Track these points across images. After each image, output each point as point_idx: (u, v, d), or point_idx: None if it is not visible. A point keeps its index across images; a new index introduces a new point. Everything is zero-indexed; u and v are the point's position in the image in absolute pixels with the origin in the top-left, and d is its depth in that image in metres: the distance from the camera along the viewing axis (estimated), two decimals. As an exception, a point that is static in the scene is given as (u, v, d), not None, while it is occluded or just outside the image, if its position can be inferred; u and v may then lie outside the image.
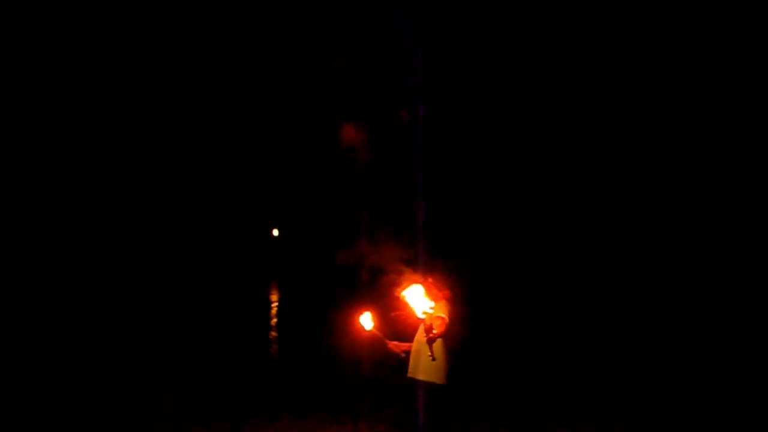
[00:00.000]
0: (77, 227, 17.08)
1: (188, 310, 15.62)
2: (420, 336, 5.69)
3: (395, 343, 5.93)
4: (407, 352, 5.83)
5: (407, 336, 5.87)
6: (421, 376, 5.69)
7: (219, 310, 16.15)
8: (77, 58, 16.46)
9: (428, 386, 5.66)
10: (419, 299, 5.24)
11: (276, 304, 20.07)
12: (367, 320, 5.92)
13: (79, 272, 16.09)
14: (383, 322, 5.92)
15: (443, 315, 5.48)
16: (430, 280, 5.64)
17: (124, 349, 11.12)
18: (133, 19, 17.08)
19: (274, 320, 16.41)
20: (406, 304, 5.35)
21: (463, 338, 5.66)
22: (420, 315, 5.19)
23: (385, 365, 6.11)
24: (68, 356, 10.49)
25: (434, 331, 5.33)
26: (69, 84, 16.50)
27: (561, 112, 14.49)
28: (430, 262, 5.88)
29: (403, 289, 5.35)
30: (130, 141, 18.46)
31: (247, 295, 20.00)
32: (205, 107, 19.92)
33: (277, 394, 8.97)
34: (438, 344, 5.54)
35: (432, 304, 5.25)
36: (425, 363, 5.59)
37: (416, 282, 5.40)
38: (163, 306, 15.62)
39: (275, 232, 32.04)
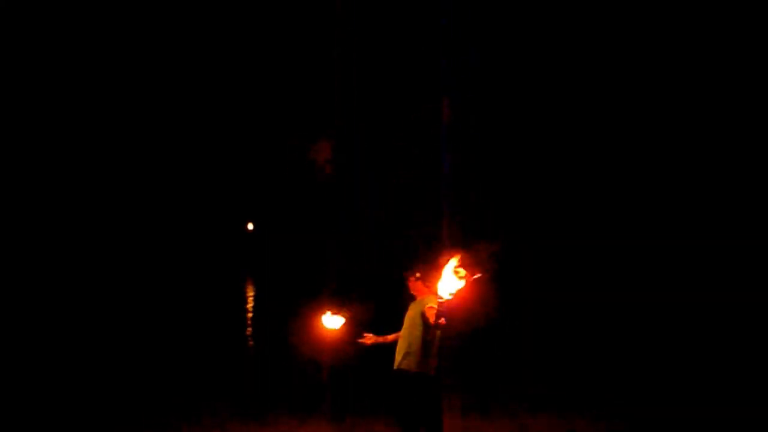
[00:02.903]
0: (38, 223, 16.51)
1: (159, 312, 15.20)
2: (412, 326, 5.68)
3: (370, 336, 5.97)
4: (377, 344, 5.93)
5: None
6: (410, 368, 5.68)
7: (192, 310, 15.75)
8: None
9: (416, 376, 5.66)
10: (451, 279, 4.90)
11: (252, 301, 19.73)
12: (331, 320, 5.93)
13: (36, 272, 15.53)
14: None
15: (435, 306, 5.38)
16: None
17: (91, 355, 10.65)
18: (103, 21, 16.52)
19: (250, 316, 16.06)
20: (435, 277, 5.17)
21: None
22: (443, 296, 4.94)
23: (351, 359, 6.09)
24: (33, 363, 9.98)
25: (441, 320, 5.19)
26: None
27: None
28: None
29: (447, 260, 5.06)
30: (96, 136, 17.89)
31: (221, 294, 19.58)
32: (175, 103, 19.45)
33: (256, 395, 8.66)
34: (421, 334, 5.61)
35: (455, 289, 4.96)
36: (415, 354, 5.64)
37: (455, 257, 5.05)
38: (134, 306, 15.20)
39: (250, 226, 31.57)
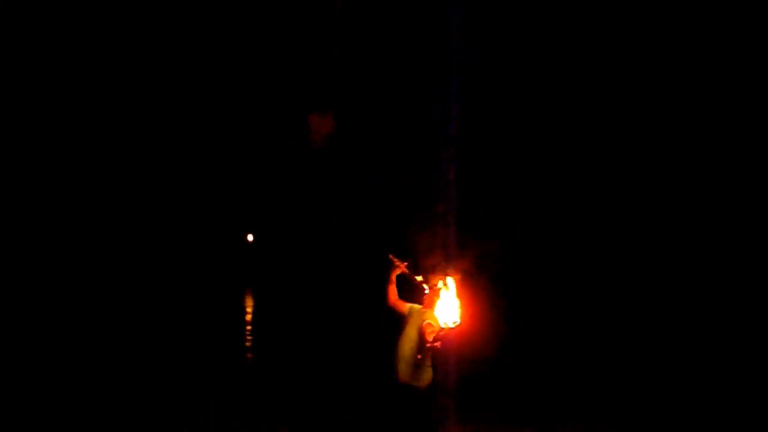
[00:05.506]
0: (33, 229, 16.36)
1: (157, 322, 15.04)
2: (409, 341, 5.65)
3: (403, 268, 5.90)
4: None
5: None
6: (404, 379, 5.66)
7: (190, 321, 15.57)
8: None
9: (412, 389, 5.64)
10: (452, 307, 5.21)
11: (250, 312, 19.58)
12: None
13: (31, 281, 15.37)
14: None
15: (433, 324, 5.52)
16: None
17: (89, 367, 10.47)
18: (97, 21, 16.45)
19: (249, 329, 15.89)
20: (434, 299, 5.42)
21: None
22: (447, 323, 5.21)
23: None
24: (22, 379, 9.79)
25: (437, 343, 5.39)
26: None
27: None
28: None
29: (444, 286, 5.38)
30: (93, 141, 17.75)
31: (219, 306, 19.41)
32: (174, 107, 19.34)
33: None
34: (415, 345, 5.59)
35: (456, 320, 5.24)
36: (412, 368, 5.61)
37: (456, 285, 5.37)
38: (132, 317, 15.04)
39: (250, 237, 31.51)
